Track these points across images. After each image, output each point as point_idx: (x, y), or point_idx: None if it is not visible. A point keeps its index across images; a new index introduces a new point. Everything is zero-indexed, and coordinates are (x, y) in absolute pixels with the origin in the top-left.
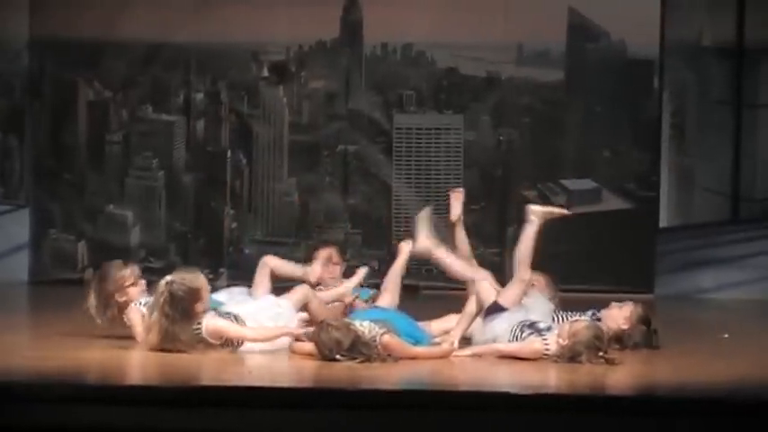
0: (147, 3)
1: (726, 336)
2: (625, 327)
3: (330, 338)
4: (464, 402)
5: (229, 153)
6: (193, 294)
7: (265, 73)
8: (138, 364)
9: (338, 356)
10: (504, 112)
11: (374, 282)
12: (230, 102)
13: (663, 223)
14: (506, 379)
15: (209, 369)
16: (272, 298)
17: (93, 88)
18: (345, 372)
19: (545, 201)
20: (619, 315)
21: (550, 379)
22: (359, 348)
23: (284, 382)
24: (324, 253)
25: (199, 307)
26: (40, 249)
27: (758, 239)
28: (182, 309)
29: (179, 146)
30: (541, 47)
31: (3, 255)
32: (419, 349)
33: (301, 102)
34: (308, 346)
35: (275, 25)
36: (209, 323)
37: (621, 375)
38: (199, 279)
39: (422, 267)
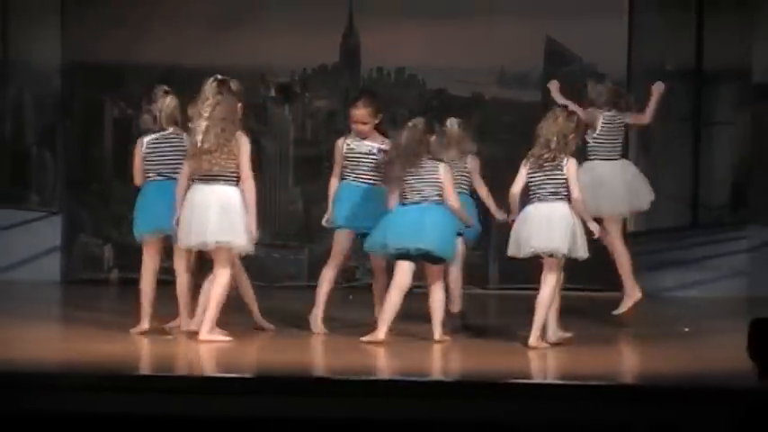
0: (164, 30)
1: (686, 329)
2: None
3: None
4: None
5: None
6: (239, 93)
7: (272, 93)
8: (157, 354)
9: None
10: (487, 128)
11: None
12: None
13: (630, 228)
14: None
15: (223, 358)
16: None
17: (117, 107)
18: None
19: None
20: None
21: (522, 366)
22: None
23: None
24: None
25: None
26: (70, 252)
27: (715, 243)
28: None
29: None
30: (521, 70)
31: (38, 256)
32: None
33: (305, 119)
34: None
35: (281, 50)
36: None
37: (592, 364)
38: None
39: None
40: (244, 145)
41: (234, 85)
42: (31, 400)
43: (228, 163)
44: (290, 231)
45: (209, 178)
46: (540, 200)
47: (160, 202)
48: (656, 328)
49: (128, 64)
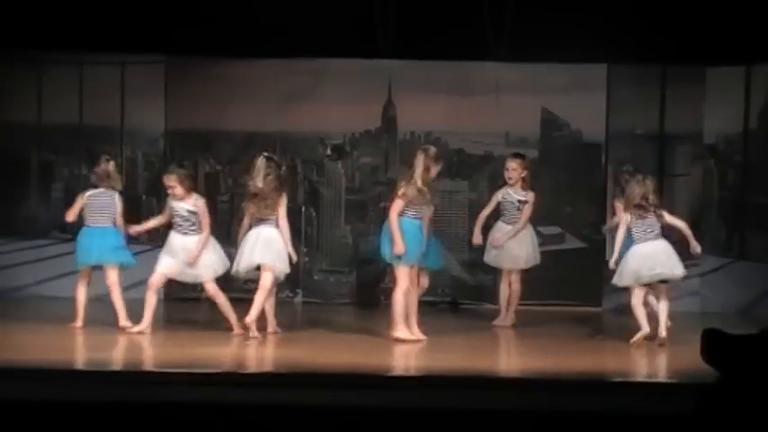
0: (244, 103)
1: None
2: None
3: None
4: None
5: (303, 208)
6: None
7: (329, 152)
8: (240, 356)
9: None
10: (496, 179)
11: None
12: (304, 172)
13: (608, 257)
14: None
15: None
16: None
17: (208, 164)
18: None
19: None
20: None
21: (520, 365)
22: None
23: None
24: None
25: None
26: None
27: None
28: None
29: None
30: (522, 134)
31: (146, 280)
32: None
33: (354, 172)
34: None
35: (335, 119)
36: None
37: (577, 365)
38: None
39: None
40: (283, 203)
41: (275, 158)
42: (134, 392)
43: (274, 212)
44: (342, 260)
45: (259, 221)
46: (644, 240)
47: (93, 243)
48: (628, 336)
49: (216, 130)
